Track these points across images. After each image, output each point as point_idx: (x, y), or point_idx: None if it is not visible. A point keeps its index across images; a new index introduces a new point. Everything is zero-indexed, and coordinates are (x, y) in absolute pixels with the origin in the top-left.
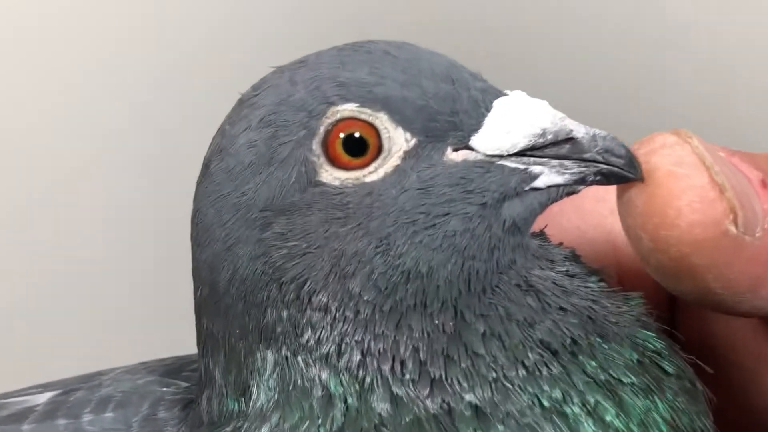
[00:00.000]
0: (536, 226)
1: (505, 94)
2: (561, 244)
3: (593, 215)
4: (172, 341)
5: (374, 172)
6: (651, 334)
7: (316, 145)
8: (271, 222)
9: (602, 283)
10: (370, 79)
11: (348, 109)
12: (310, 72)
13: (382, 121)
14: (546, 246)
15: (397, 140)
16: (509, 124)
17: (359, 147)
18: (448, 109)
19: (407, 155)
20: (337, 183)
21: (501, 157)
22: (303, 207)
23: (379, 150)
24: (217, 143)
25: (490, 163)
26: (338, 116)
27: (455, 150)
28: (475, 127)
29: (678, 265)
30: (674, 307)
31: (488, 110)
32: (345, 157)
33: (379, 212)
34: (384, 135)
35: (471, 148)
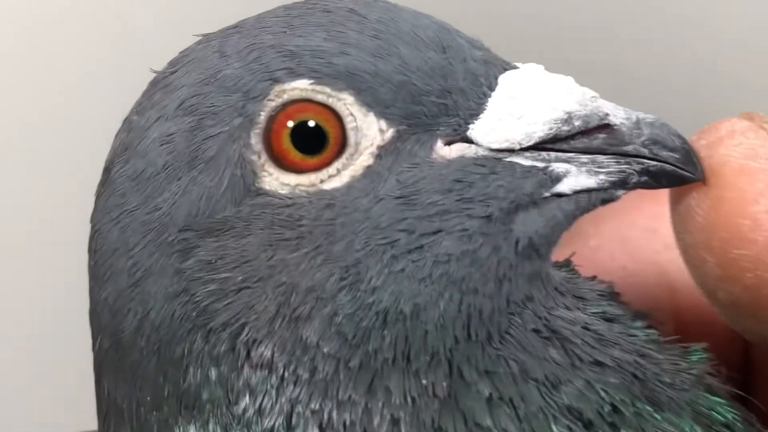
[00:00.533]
0: (559, 256)
1: (515, 67)
2: (594, 277)
3: (643, 251)
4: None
5: (336, 176)
6: (719, 400)
7: (255, 139)
8: (194, 246)
9: (652, 331)
10: (329, 46)
11: (299, 87)
12: (247, 39)
13: (346, 104)
14: (574, 279)
15: (368, 131)
16: (522, 107)
17: (315, 141)
18: (438, 87)
19: (382, 151)
20: (285, 191)
21: (511, 152)
22: (238, 225)
23: (343, 145)
24: (120, 140)
25: (496, 160)
26: (285, 98)
27: (448, 143)
28: (475, 111)
29: (755, 298)
30: (750, 363)
31: (492, 88)
32: (296, 155)
33: (343, 231)
34: (349, 124)
35: (469, 141)
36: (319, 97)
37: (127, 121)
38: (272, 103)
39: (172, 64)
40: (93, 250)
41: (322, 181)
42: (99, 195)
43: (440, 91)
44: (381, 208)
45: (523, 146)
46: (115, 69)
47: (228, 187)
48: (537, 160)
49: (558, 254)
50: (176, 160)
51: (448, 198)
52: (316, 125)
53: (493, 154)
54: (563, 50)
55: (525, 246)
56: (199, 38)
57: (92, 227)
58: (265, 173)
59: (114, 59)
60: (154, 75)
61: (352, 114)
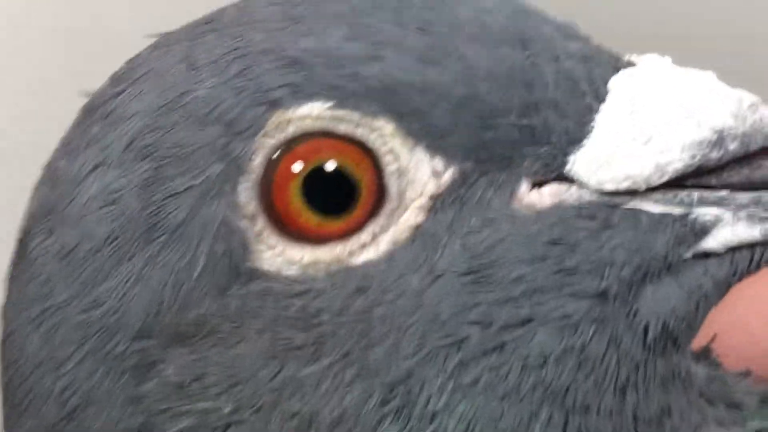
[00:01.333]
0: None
1: (632, 63)
2: (749, 373)
3: None
4: None
5: (371, 245)
6: None
7: (246, 196)
8: (156, 360)
9: None
10: (353, 48)
11: (311, 114)
12: (227, 40)
13: (383, 135)
14: (720, 377)
15: (417, 174)
16: (648, 126)
17: (339, 195)
18: (519, 102)
19: (438, 203)
20: (294, 272)
21: (633, 194)
22: (224, 326)
23: (381, 198)
24: (41, 198)
25: (610, 208)
26: (291, 131)
27: (537, 185)
28: (576, 135)
29: None
30: None
31: (600, 98)
32: (310, 218)
33: (384, 328)
34: (389, 166)
35: (569, 180)
36: (343, 128)
37: (50, 169)
38: (270, 140)
39: (117, 80)
40: (7, 362)
41: (351, 254)
42: (12, 278)
43: (522, 108)
44: (440, 290)
45: (652, 185)
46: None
47: (206, 270)
48: (673, 204)
49: None
50: (125, 229)
51: (540, 269)
52: (339, 170)
53: (607, 198)
54: (691, 33)
55: (657, 334)
56: (156, 39)
57: (4, 327)
58: (263, 246)
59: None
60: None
61: (392, 151)
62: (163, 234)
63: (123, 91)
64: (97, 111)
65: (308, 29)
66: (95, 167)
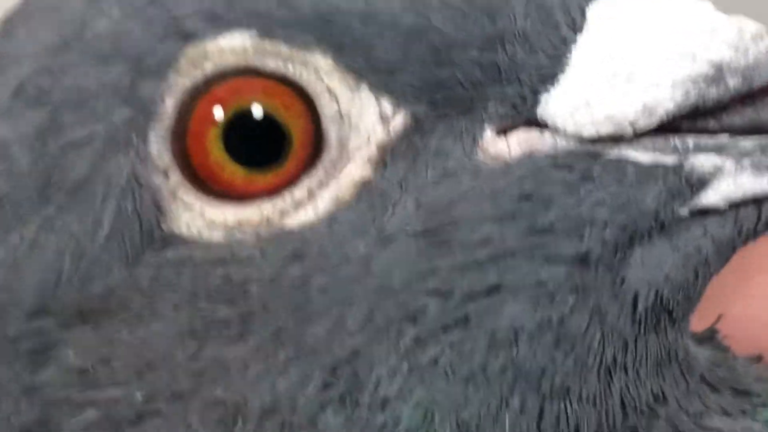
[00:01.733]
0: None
1: None
2: (759, 357)
3: None
4: None
5: (308, 203)
6: None
7: (158, 146)
8: (54, 342)
9: None
10: None
11: (233, 46)
12: None
13: (319, 72)
14: (728, 361)
15: (361, 119)
16: (632, 60)
17: (268, 143)
18: (481, 34)
19: (388, 154)
20: (215, 236)
21: (618, 140)
22: (134, 300)
23: (318, 147)
24: None
25: (590, 157)
26: (209, 68)
27: (503, 131)
28: (549, 71)
29: None
30: None
31: (577, 28)
32: (234, 171)
33: (324, 299)
34: (326, 108)
35: (541, 124)
36: (270, 64)
37: None
38: (184, 79)
39: (7, 20)
40: None
41: (283, 215)
42: None
43: (484, 41)
44: (391, 255)
45: (639, 129)
46: None
47: (112, 235)
48: (664, 151)
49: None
50: (15, 189)
51: (509, 228)
52: (267, 115)
53: (586, 146)
54: None
55: (648, 306)
56: None
57: None
58: (179, 206)
59: None
60: None
61: (330, 90)
62: (59, 192)
63: (12, 31)
64: None
65: None
66: None
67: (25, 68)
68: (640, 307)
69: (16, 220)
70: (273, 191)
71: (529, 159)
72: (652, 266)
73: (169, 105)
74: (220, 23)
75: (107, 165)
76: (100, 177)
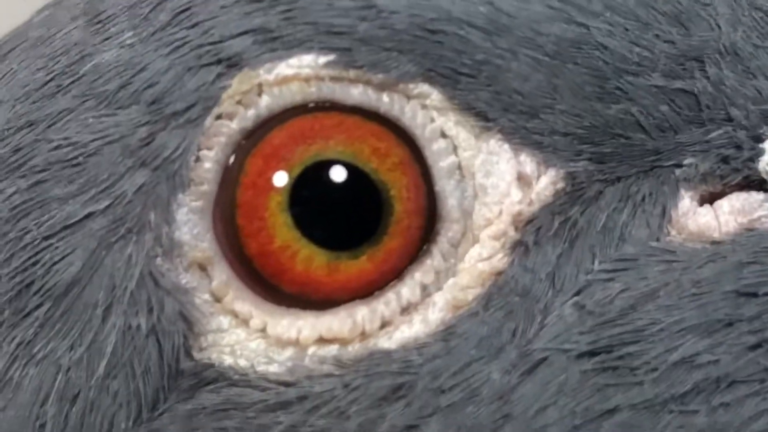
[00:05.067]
0: None
1: None
2: None
3: None
4: None
5: (417, 309)
6: None
7: (190, 226)
8: None
9: None
10: None
11: (300, 74)
12: None
13: (426, 108)
14: None
15: (491, 178)
16: None
17: (357, 212)
18: (666, 52)
19: (530, 230)
20: (276, 366)
21: None
22: None
23: (430, 219)
24: None
25: None
26: (265, 105)
27: (707, 196)
28: None
29: None
30: None
31: None
32: (310, 257)
33: None
34: (440, 161)
35: (764, 183)
36: (356, 94)
37: None
38: (229, 125)
39: None
40: None
41: (383, 327)
42: None
43: (675, 61)
44: (543, 386)
45: None
46: None
47: (116, 367)
48: None
49: None
50: None
51: (725, 343)
52: (353, 168)
53: None
54: None
55: None
56: None
57: None
58: (224, 319)
59: None
60: None
61: (444, 134)
62: (41, 304)
63: None
64: None
65: None
66: None
67: (2, 114)
68: None
69: None
70: (369, 288)
71: (751, 236)
72: None
73: (208, 164)
74: (278, 44)
75: (110, 260)
76: (99, 277)
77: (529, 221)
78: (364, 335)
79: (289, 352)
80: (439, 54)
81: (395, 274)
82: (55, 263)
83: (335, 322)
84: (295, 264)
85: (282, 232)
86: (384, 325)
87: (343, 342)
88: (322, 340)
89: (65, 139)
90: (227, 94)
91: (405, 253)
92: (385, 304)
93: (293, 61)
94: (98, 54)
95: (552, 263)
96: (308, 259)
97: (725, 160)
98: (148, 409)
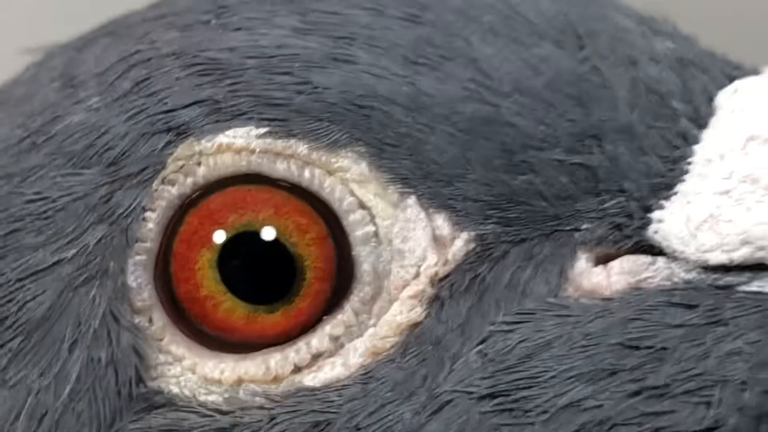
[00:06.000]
0: None
1: (754, 72)
2: None
3: None
4: None
5: (331, 355)
6: None
7: (137, 276)
8: None
9: None
10: (306, 46)
11: (234, 145)
12: (123, 44)
13: (347, 181)
14: None
15: (409, 243)
16: None
17: (275, 273)
18: (568, 130)
19: (445, 288)
20: (213, 397)
21: (757, 270)
22: None
23: (345, 279)
24: None
25: (721, 291)
26: (202, 174)
27: (602, 258)
28: (664, 180)
29: None
30: None
31: (702, 122)
32: (232, 309)
33: None
34: (357, 230)
35: (652, 248)
36: (282, 169)
37: None
38: (171, 189)
39: None
40: None
41: (297, 369)
42: None
43: (575, 138)
44: (446, 427)
45: None
46: None
47: (80, 392)
48: None
49: None
50: None
51: (609, 390)
52: (278, 238)
53: (715, 276)
54: None
55: None
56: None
57: None
58: (164, 355)
59: None
60: None
61: (363, 204)
62: (15, 336)
63: None
64: None
65: (241, 21)
66: None
67: None
68: None
69: None
70: (283, 338)
71: (637, 295)
72: None
73: (152, 223)
74: (221, 116)
75: (76, 300)
76: (66, 315)
77: (444, 277)
78: (276, 378)
79: (218, 389)
80: (366, 126)
81: (306, 327)
82: (27, 302)
83: (252, 366)
84: (217, 312)
85: (209, 284)
86: (296, 370)
87: (262, 382)
88: (242, 380)
89: (37, 193)
90: (172, 160)
91: (314, 311)
92: (296, 351)
93: (230, 132)
94: (69, 116)
95: (463, 315)
96: (230, 309)
97: (618, 227)
98: (105, 428)
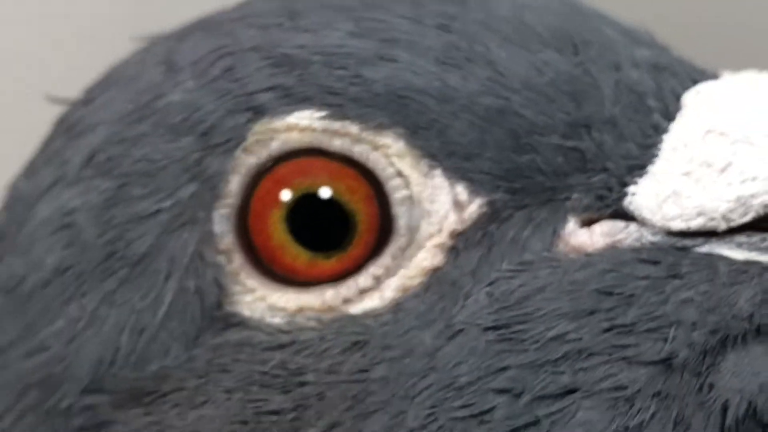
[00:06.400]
0: None
1: (714, 76)
2: None
3: None
4: None
5: (373, 290)
6: None
7: (221, 225)
8: (105, 422)
9: None
10: (357, 46)
11: (301, 124)
12: (214, 39)
13: (389, 155)
14: None
15: (435, 205)
16: (728, 151)
17: (333, 228)
18: (565, 119)
19: (460, 242)
20: (278, 319)
21: (710, 235)
22: (189, 382)
23: (386, 232)
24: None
25: (679, 251)
26: (276, 146)
27: (586, 223)
28: (639, 161)
29: None
30: None
31: (670, 117)
32: (298, 255)
33: (386, 393)
34: (397, 194)
35: (627, 216)
36: (338, 144)
37: (10, 189)
38: (250, 157)
39: (90, 88)
40: None
41: (346, 302)
42: None
43: (569, 126)
44: (459, 349)
45: (733, 224)
46: None
47: (173, 312)
48: (761, 249)
49: None
50: (78, 260)
51: (587, 326)
52: (334, 198)
53: (675, 240)
54: None
55: (740, 417)
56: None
57: None
58: (240, 287)
59: None
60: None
61: (401, 174)
62: (123, 266)
63: (92, 99)
64: (63, 123)
65: (308, 24)
66: (50, 186)
67: (98, 136)
68: (730, 418)
69: (77, 291)
70: (337, 277)
71: (613, 252)
72: (745, 374)
73: (234, 183)
74: (291, 100)
75: (172, 241)
76: (164, 253)
77: (460, 234)
78: (331, 308)
79: (282, 314)
80: (404, 113)
81: (355, 269)
82: (133, 241)
83: (311, 298)
84: (285, 257)
85: (278, 235)
86: (346, 301)
87: (317, 311)
88: (302, 309)
89: (143, 155)
90: (252, 135)
91: (362, 257)
92: (347, 288)
93: (297, 114)
94: (170, 95)
95: (474, 263)
96: (295, 255)
97: (601, 198)
98: (191, 341)
